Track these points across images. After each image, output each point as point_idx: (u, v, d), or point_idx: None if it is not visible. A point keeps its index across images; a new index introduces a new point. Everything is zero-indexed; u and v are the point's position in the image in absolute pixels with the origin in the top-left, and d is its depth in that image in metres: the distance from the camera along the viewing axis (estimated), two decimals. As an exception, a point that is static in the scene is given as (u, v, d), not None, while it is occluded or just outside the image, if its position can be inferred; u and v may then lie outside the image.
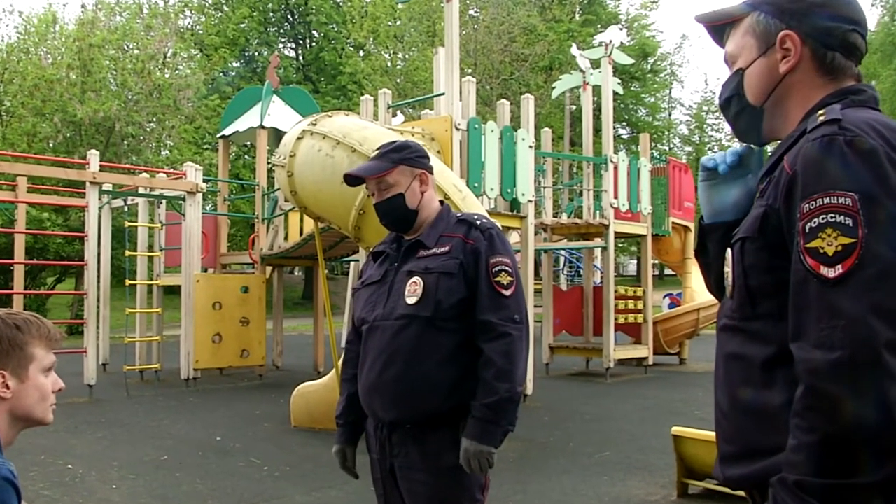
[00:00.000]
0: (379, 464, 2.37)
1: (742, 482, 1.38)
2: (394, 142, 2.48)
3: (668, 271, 34.41)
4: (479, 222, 2.34)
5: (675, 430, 5.15)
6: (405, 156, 2.41)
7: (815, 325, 1.21)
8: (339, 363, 6.84)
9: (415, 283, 2.27)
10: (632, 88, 34.22)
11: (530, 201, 8.91)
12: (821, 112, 1.35)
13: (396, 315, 2.27)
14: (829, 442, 1.18)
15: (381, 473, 2.38)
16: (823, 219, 1.23)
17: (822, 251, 1.22)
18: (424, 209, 2.41)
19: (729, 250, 1.47)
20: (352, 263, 13.11)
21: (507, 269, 2.27)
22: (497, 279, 2.25)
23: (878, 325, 1.17)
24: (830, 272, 1.21)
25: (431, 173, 2.48)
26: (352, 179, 2.43)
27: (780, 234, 1.32)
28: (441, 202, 2.49)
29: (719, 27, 1.58)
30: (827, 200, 1.23)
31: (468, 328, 2.24)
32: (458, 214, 2.41)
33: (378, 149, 2.47)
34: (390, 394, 2.25)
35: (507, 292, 2.24)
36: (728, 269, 1.47)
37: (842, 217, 1.22)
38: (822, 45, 1.43)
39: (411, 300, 2.25)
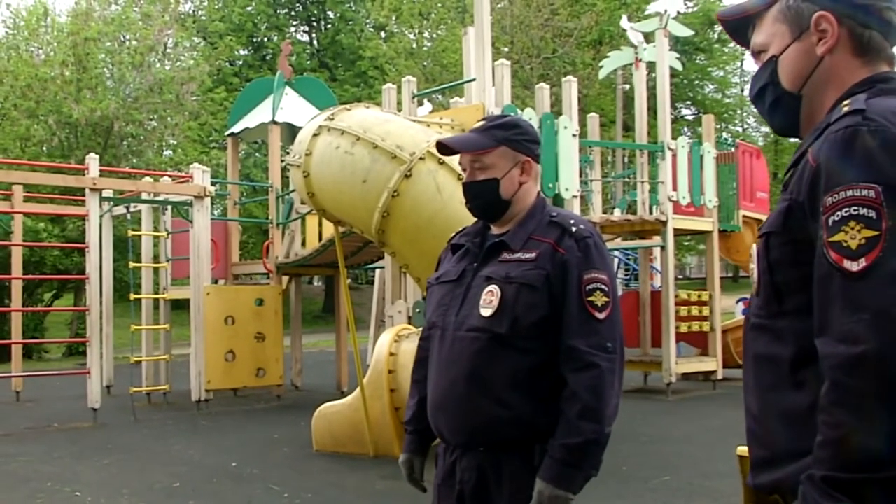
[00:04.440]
0: (439, 490, 2.38)
1: (773, 487, 1.52)
2: (503, 116, 2.44)
3: (743, 273, 34.07)
4: (574, 228, 2.27)
5: (741, 449, 5.27)
6: (512, 136, 2.36)
7: (839, 319, 1.34)
8: (365, 381, 7.11)
9: (491, 292, 2.24)
10: (697, 61, 33.82)
11: (575, 197, 9.06)
12: (845, 102, 1.49)
13: (468, 326, 2.26)
14: (856, 437, 1.30)
15: (444, 501, 2.37)
16: (846, 212, 1.36)
17: (845, 245, 1.35)
18: (519, 202, 2.36)
19: (754, 246, 1.62)
20: (377, 271, 13.33)
21: (603, 287, 2.21)
22: (590, 299, 2.20)
23: None
24: (854, 266, 1.34)
25: (538, 161, 2.44)
26: (445, 149, 2.41)
27: (805, 229, 1.45)
28: (538, 193, 2.45)
29: (743, 23, 1.72)
30: (850, 193, 1.36)
31: (549, 350, 2.21)
32: (553, 213, 2.35)
33: (482, 119, 2.44)
34: (456, 415, 2.27)
35: (601, 315, 2.20)
36: (753, 266, 1.61)
37: (865, 210, 1.34)
38: (859, 24, 1.56)
39: (486, 312, 2.23)
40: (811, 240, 1.44)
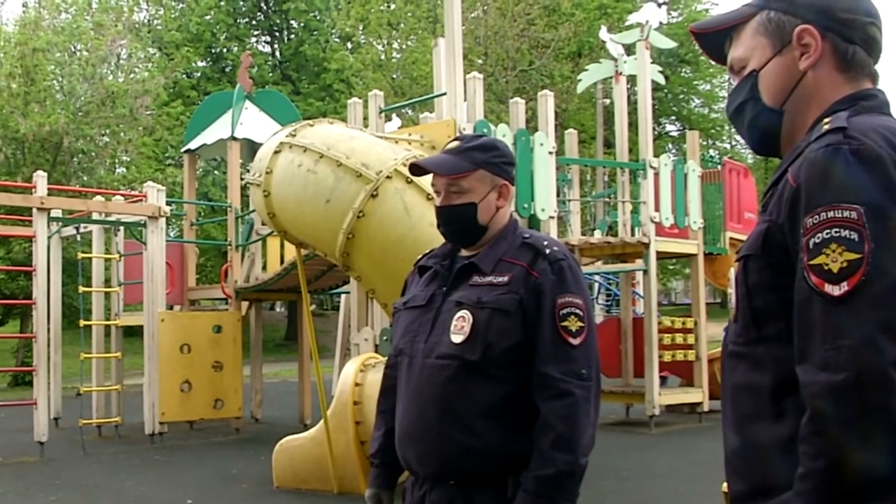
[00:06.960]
0: None
1: None
2: (479, 136, 2.46)
3: (729, 297, 34.09)
4: (548, 250, 2.30)
5: (727, 486, 5.31)
6: (490, 158, 2.37)
7: (820, 345, 1.35)
8: (329, 413, 7.11)
9: (462, 317, 2.26)
10: (682, 74, 34.09)
11: (552, 217, 9.13)
12: (826, 120, 1.51)
13: (438, 353, 2.27)
14: (837, 468, 1.32)
15: None
16: (828, 234, 1.37)
17: (826, 268, 1.36)
18: (494, 226, 2.38)
19: (732, 269, 1.67)
20: (342, 297, 13.33)
21: (578, 311, 2.24)
22: (564, 324, 2.22)
23: (885, 344, 1.30)
24: (835, 290, 1.35)
25: (513, 184, 2.47)
26: (419, 171, 2.42)
27: (785, 251, 1.46)
28: (510, 214, 2.47)
29: (719, 37, 1.74)
30: (831, 214, 1.37)
31: (522, 378, 2.23)
32: (525, 235, 2.38)
33: (458, 139, 2.44)
34: (425, 446, 2.28)
35: (576, 341, 2.22)
36: (731, 290, 1.62)
37: (847, 231, 1.35)
38: (842, 38, 1.58)
39: (457, 338, 2.25)
40: (791, 263, 1.45)
